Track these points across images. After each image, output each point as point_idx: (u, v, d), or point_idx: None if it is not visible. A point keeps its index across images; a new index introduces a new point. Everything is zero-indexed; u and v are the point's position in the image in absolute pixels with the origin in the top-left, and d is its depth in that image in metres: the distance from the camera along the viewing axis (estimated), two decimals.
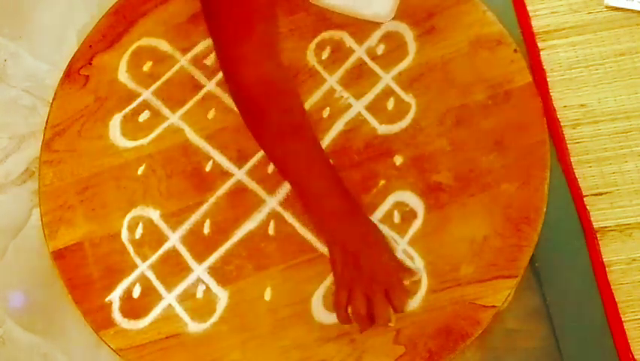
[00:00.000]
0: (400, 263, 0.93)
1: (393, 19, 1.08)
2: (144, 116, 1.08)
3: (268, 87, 0.89)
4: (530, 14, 1.29)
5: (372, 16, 1.06)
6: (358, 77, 1.06)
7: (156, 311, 0.99)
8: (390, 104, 1.05)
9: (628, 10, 1.26)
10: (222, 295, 0.99)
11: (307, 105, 1.05)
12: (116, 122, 1.08)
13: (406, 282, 0.92)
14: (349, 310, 0.90)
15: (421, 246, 0.98)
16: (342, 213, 0.91)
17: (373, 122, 1.04)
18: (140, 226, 1.03)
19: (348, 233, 0.92)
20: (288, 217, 1.01)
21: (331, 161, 0.97)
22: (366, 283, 0.89)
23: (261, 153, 1.04)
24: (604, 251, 1.19)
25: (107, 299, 1.00)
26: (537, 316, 1.19)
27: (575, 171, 1.22)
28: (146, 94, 1.09)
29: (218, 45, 0.89)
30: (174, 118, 1.07)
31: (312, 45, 1.09)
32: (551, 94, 1.25)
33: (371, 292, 0.89)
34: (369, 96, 1.05)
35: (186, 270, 1.00)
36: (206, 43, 1.09)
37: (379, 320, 0.89)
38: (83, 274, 1.02)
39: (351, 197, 0.92)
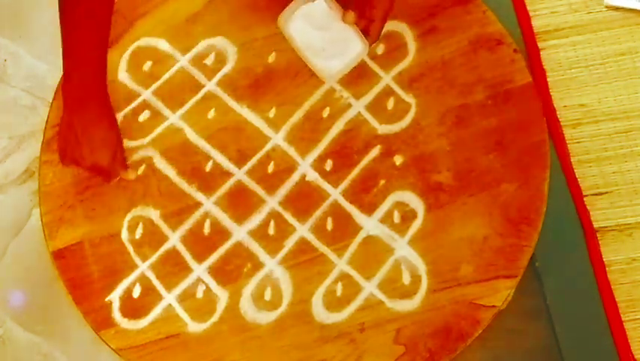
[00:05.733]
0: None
1: (394, 19, 1.07)
2: (144, 115, 1.08)
3: None
4: (530, 14, 1.29)
5: (318, 70, 1.01)
6: (358, 77, 1.06)
7: (156, 311, 0.99)
8: (390, 104, 1.05)
9: (628, 9, 1.26)
10: (222, 295, 0.99)
11: (307, 105, 1.05)
12: None
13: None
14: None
15: (420, 246, 0.98)
16: (78, 96, 0.98)
17: (373, 122, 1.04)
18: (140, 225, 1.03)
19: (74, 111, 0.99)
20: (288, 217, 1.01)
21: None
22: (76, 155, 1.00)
23: (260, 153, 1.04)
24: (604, 251, 1.19)
25: (107, 299, 1.00)
26: (537, 316, 1.19)
27: (575, 171, 1.22)
28: (146, 94, 1.09)
29: None
30: (174, 118, 1.07)
31: None
32: (551, 94, 1.25)
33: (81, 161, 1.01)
34: (369, 96, 1.05)
35: (186, 270, 1.00)
36: (205, 43, 1.09)
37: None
38: (83, 274, 1.02)
39: (98, 89, 1.00)
